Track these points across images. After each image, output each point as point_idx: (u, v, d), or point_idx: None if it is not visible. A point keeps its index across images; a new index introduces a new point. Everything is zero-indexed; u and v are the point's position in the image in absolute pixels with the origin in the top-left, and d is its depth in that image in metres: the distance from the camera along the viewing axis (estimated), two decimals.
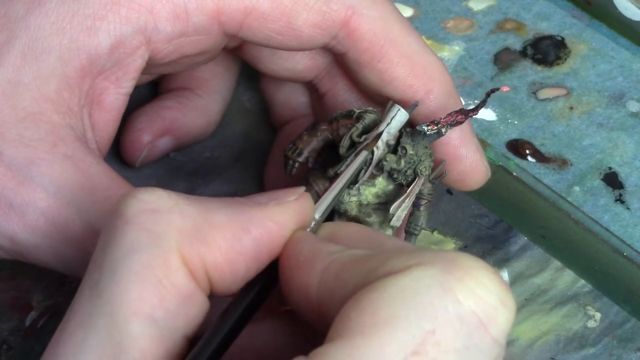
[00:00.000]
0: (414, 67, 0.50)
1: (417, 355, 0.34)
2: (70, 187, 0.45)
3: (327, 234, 0.41)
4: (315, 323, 0.38)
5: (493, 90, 0.47)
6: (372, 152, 0.46)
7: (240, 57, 0.55)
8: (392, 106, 0.47)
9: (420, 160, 0.47)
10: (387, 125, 0.46)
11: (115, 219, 0.38)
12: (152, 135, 0.57)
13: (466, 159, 0.50)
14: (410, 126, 0.47)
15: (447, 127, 0.47)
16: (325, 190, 0.45)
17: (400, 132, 0.47)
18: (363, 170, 0.46)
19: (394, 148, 0.47)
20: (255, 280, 0.39)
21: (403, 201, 0.46)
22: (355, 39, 0.49)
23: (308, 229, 0.41)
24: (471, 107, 0.47)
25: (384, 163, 0.46)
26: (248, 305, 0.39)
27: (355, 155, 0.46)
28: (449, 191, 0.59)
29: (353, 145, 0.47)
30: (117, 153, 0.58)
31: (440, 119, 0.47)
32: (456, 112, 0.47)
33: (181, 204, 0.38)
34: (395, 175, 0.47)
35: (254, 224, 0.39)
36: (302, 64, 0.53)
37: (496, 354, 0.35)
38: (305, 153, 0.49)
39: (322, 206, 0.43)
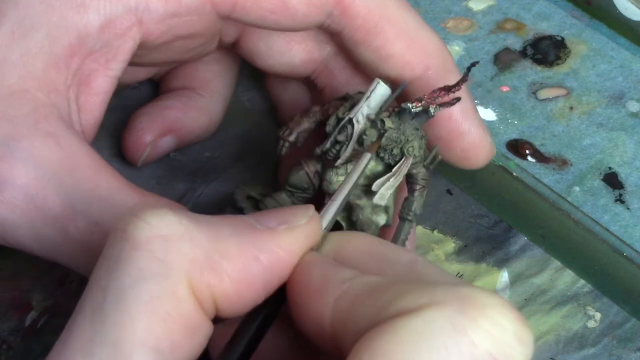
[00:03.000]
0: (411, 44, 0.50)
1: None
2: (50, 164, 0.44)
3: (334, 247, 0.40)
4: (329, 350, 0.38)
5: (473, 64, 0.47)
6: (352, 126, 0.46)
7: (238, 53, 0.55)
8: (373, 80, 0.46)
9: (407, 140, 0.46)
10: (367, 98, 0.46)
11: (123, 241, 0.36)
12: (154, 134, 0.57)
13: (469, 134, 0.50)
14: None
15: (436, 108, 0.46)
16: (331, 199, 0.44)
17: (389, 113, 0.46)
18: (345, 146, 0.46)
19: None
20: (263, 305, 0.39)
21: (388, 179, 0.45)
22: (349, 15, 0.49)
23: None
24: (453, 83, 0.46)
25: (364, 137, 0.46)
26: (256, 330, 0.39)
27: (338, 129, 0.46)
28: (449, 191, 0.59)
29: (339, 123, 0.46)
30: (119, 152, 0.58)
31: (424, 96, 0.46)
32: (440, 88, 0.46)
33: (192, 231, 0.37)
34: (381, 154, 0.46)
35: (264, 253, 0.38)
36: (299, 58, 0.53)
37: None
38: (295, 133, 0.49)
39: (327, 217, 0.42)
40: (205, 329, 0.37)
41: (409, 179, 0.47)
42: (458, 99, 0.46)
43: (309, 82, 0.55)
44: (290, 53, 0.53)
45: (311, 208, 0.40)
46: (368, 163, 0.44)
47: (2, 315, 0.53)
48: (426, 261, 0.39)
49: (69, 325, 0.36)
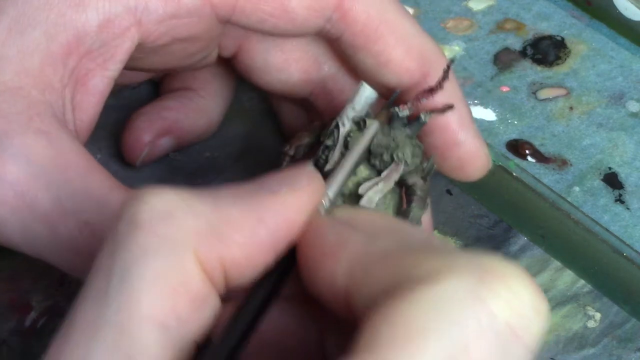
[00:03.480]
0: (410, 50, 0.50)
1: None
2: (41, 162, 0.44)
3: (346, 217, 0.39)
4: (340, 311, 0.37)
5: (452, 61, 0.47)
6: (339, 129, 0.46)
7: (235, 69, 0.55)
8: (358, 83, 0.46)
9: (397, 146, 0.46)
10: (351, 101, 0.46)
11: (125, 224, 0.36)
12: (152, 135, 0.57)
13: (465, 144, 0.50)
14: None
15: (427, 114, 0.46)
16: (339, 165, 0.44)
17: (382, 122, 0.46)
18: (331, 151, 0.46)
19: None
20: (271, 270, 0.38)
21: (376, 183, 0.45)
22: (349, 20, 0.49)
23: (323, 209, 0.40)
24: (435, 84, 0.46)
25: (349, 139, 0.46)
26: (266, 295, 0.38)
27: (328, 135, 0.46)
28: (449, 191, 0.59)
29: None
30: (117, 152, 0.58)
31: (411, 100, 0.46)
32: (423, 90, 0.46)
33: (193, 204, 0.37)
34: (372, 161, 0.46)
35: (270, 215, 0.37)
36: (296, 76, 0.53)
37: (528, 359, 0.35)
38: (294, 147, 0.49)
39: (335, 184, 0.42)
40: (212, 303, 0.37)
41: (407, 190, 0.47)
42: (451, 107, 0.46)
43: (308, 104, 0.55)
44: (289, 70, 0.53)
45: (310, 166, 0.40)
46: (377, 131, 0.45)
47: (2, 316, 0.53)
48: (442, 241, 0.38)
49: (72, 311, 0.36)
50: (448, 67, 0.46)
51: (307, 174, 0.39)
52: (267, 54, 0.53)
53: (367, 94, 0.46)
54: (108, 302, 0.35)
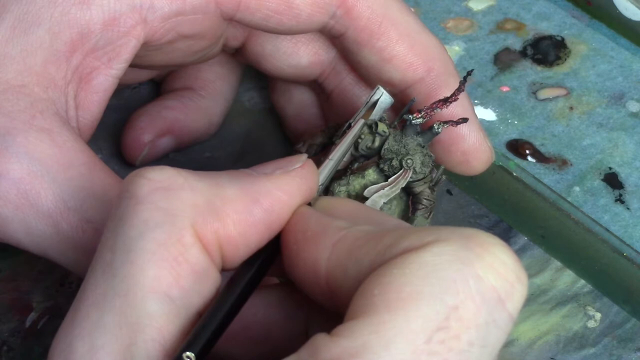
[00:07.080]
0: (414, 45, 0.50)
1: (441, 331, 0.34)
2: (44, 160, 0.44)
3: (325, 207, 0.41)
4: (321, 297, 0.38)
5: (469, 73, 0.47)
6: (349, 126, 0.46)
7: (245, 58, 0.55)
8: (376, 88, 0.47)
9: (407, 153, 0.46)
10: (367, 103, 0.46)
11: (127, 200, 0.37)
12: (153, 134, 0.57)
13: (469, 137, 0.50)
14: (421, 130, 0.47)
15: (440, 124, 0.46)
16: (325, 157, 0.45)
17: (394, 126, 0.47)
18: (345, 155, 0.46)
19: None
20: (257, 254, 0.39)
21: (382, 188, 0.46)
22: (353, 16, 0.49)
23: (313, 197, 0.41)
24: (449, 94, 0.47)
25: (359, 141, 0.46)
26: (250, 279, 0.39)
27: (340, 135, 0.46)
28: (449, 191, 0.59)
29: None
30: (118, 152, 0.58)
31: (424, 107, 0.46)
32: (438, 100, 0.46)
33: (191, 180, 0.38)
34: (381, 166, 0.46)
35: (264, 195, 0.39)
36: (306, 59, 0.53)
37: (510, 329, 0.36)
38: (306, 145, 0.49)
39: (323, 174, 0.43)
40: (213, 277, 0.38)
41: (413, 198, 0.47)
42: (465, 120, 0.46)
43: (316, 86, 0.55)
44: (298, 54, 0.53)
45: (304, 155, 0.41)
46: (362, 128, 0.46)
47: (3, 316, 0.53)
48: (412, 226, 0.40)
49: (81, 287, 0.37)
50: (465, 78, 0.46)
51: (300, 159, 0.41)
52: (277, 39, 0.53)
53: (383, 98, 0.46)
54: (114, 274, 0.36)
